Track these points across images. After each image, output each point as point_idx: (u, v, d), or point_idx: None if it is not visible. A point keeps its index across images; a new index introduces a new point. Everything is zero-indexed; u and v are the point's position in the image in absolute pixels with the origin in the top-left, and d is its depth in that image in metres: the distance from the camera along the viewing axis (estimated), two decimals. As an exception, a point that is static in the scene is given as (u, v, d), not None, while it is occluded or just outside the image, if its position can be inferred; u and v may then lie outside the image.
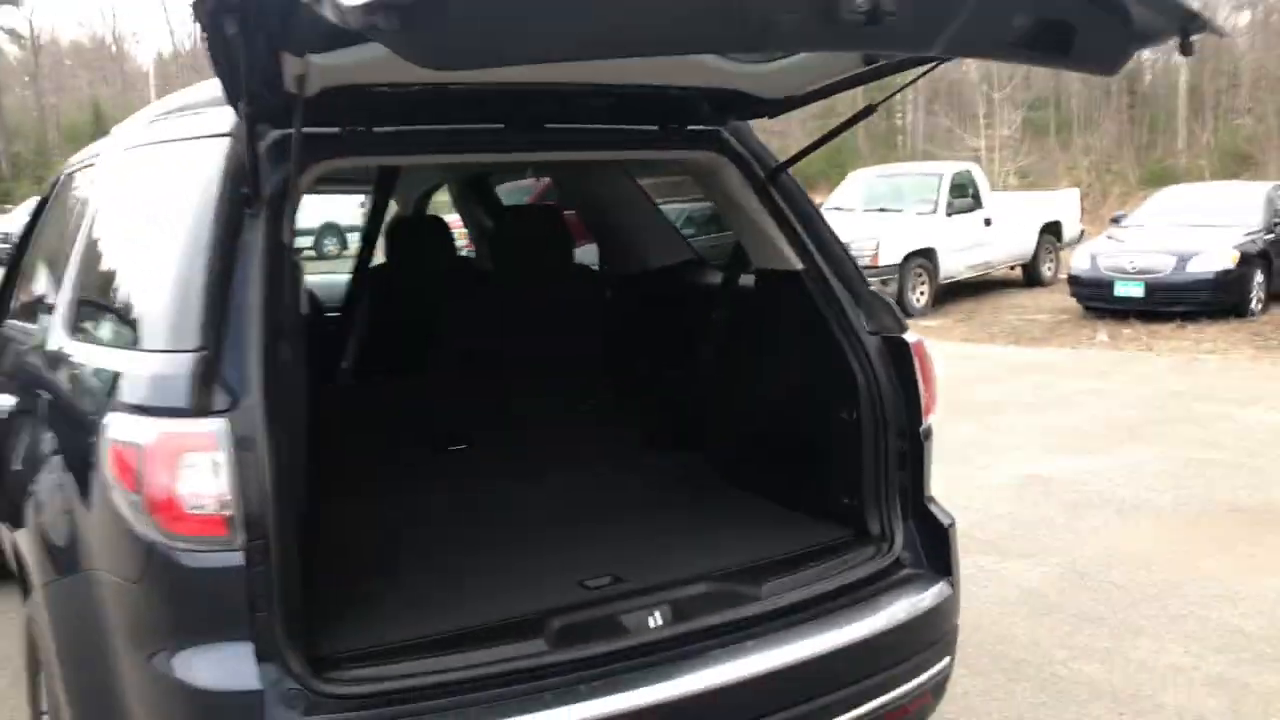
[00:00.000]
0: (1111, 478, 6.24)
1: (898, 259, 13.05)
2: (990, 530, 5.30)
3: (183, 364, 2.12)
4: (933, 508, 2.86)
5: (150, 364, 2.21)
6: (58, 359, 2.81)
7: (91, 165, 3.42)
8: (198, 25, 1.90)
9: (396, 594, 2.64)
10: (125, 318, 2.53)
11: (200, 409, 2.09)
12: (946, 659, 2.76)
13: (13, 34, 47.57)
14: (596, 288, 4.14)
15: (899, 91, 3.05)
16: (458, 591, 2.66)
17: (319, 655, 2.19)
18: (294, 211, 2.33)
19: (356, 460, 3.29)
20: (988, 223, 14.52)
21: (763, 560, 2.74)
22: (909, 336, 2.87)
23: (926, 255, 13.53)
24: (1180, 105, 29.93)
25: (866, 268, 3.08)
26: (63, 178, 4.00)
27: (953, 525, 2.83)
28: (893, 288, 12.59)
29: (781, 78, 2.76)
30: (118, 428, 2.15)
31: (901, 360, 2.84)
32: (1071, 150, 28.63)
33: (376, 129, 2.56)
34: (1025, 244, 15.34)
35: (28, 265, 4.10)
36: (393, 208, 5.24)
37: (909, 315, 9.64)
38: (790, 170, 3.07)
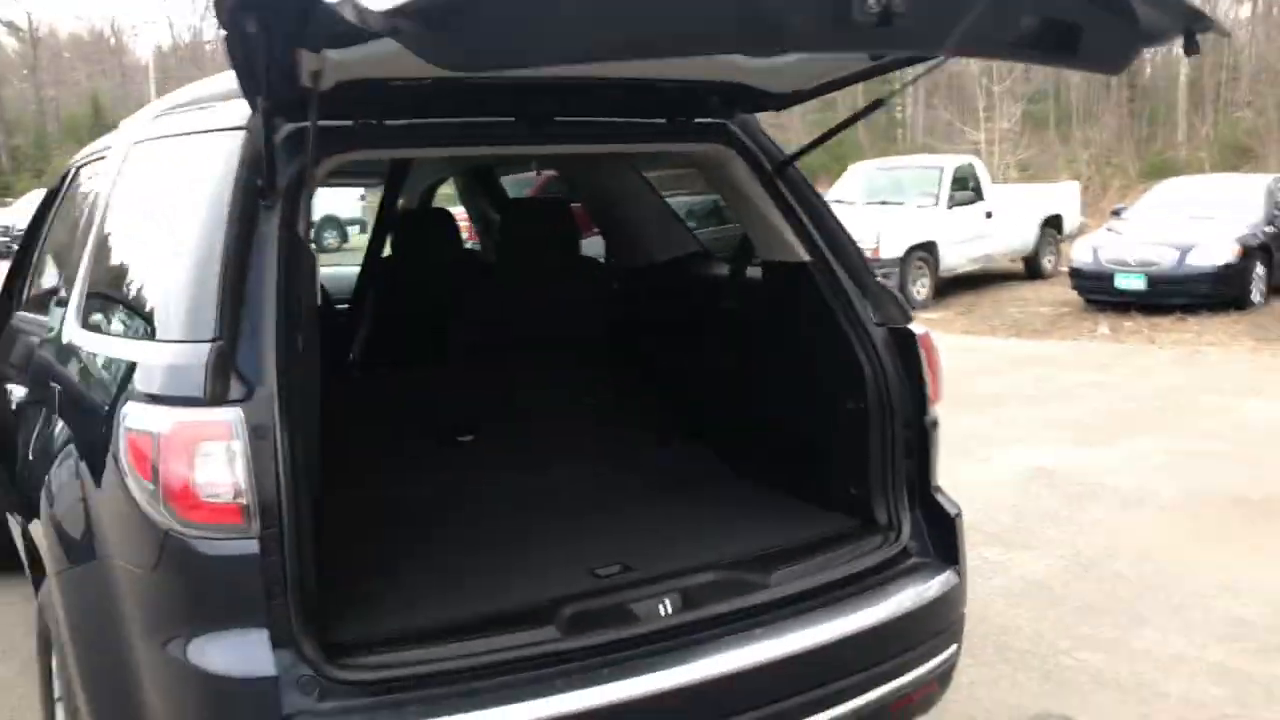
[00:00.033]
0: (1114, 469, 6.27)
1: (899, 252, 13.05)
2: (994, 522, 5.32)
3: (199, 354, 2.13)
4: (939, 497, 2.88)
5: (166, 354, 2.23)
6: (72, 350, 2.83)
7: (102, 159, 3.44)
8: (217, 22, 1.93)
9: (408, 582, 2.66)
10: (140, 309, 2.55)
11: (216, 399, 2.10)
12: (953, 647, 2.78)
13: (11, 26, 47.58)
14: (603, 280, 4.16)
15: (909, 85, 3.08)
16: (468, 580, 2.69)
17: (332, 642, 2.21)
18: (309, 204, 2.35)
19: (365, 451, 3.32)
20: (989, 216, 14.51)
21: (771, 549, 2.76)
22: (915, 328, 2.89)
23: (927, 248, 13.54)
24: (1180, 98, 29.90)
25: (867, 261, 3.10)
26: (72, 171, 4.02)
27: (959, 514, 2.86)
28: (894, 281, 12.59)
29: (790, 72, 2.78)
30: (134, 417, 2.17)
31: (908, 351, 2.86)
32: (1071, 143, 28.59)
33: (388, 122, 2.58)
34: (1026, 237, 15.33)
35: (38, 257, 4.12)
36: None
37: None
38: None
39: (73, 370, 2.80)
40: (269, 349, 2.19)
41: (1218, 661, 3.85)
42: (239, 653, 2.10)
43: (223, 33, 1.96)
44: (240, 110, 2.40)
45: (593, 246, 4.60)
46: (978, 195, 14.58)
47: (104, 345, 2.62)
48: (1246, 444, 6.76)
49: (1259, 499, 5.67)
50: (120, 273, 2.84)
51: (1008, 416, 7.71)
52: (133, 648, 2.22)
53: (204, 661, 2.10)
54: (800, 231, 2.99)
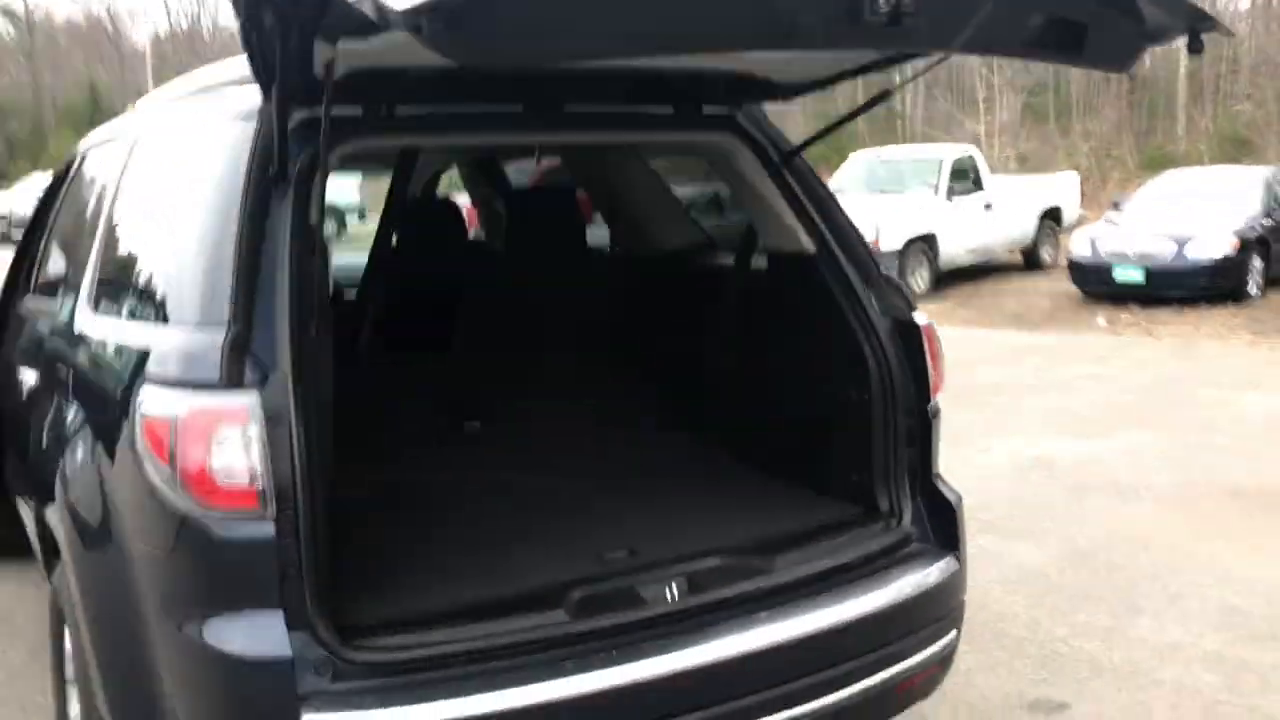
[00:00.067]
0: (1112, 460, 6.31)
1: (899, 245, 13.03)
2: (992, 511, 5.35)
3: (214, 339, 2.16)
4: (940, 485, 2.91)
5: (182, 339, 2.26)
6: (84, 336, 2.86)
7: (110, 144, 3.46)
8: (233, 11, 1.95)
9: (419, 565, 2.70)
10: (154, 294, 2.57)
11: (232, 383, 2.13)
12: (954, 632, 2.82)
13: (7, 12, 47.40)
14: (610, 269, 4.19)
15: (914, 79, 3.11)
16: (478, 564, 2.72)
17: (346, 624, 2.24)
18: (322, 191, 2.37)
19: (374, 437, 3.35)
20: (988, 207, 14.52)
21: (775, 536, 2.80)
22: (919, 319, 2.93)
23: (927, 240, 13.55)
24: (1180, 91, 29.86)
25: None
26: (79, 157, 4.03)
27: (960, 502, 2.89)
28: (893, 272, 12.58)
29: (798, 64, 2.81)
30: (151, 402, 2.19)
31: (911, 342, 2.90)
32: (1071, 135, 28.58)
33: (399, 110, 2.61)
34: (1025, 228, 15.35)
35: (46, 243, 4.14)
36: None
37: (910, 299, 9.65)
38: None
39: (85, 355, 2.83)
40: (283, 334, 2.22)
41: (1213, 650, 3.89)
42: (255, 634, 2.13)
43: (237, 21, 1.98)
44: (252, 96, 2.42)
45: (592, 235, 4.61)
46: (977, 186, 14.59)
47: (118, 330, 2.64)
48: (1243, 436, 6.80)
49: (1256, 491, 5.71)
50: (132, 258, 2.86)
51: (1006, 407, 7.74)
52: (148, 629, 2.25)
53: (220, 643, 2.13)
54: (806, 222, 3.02)
